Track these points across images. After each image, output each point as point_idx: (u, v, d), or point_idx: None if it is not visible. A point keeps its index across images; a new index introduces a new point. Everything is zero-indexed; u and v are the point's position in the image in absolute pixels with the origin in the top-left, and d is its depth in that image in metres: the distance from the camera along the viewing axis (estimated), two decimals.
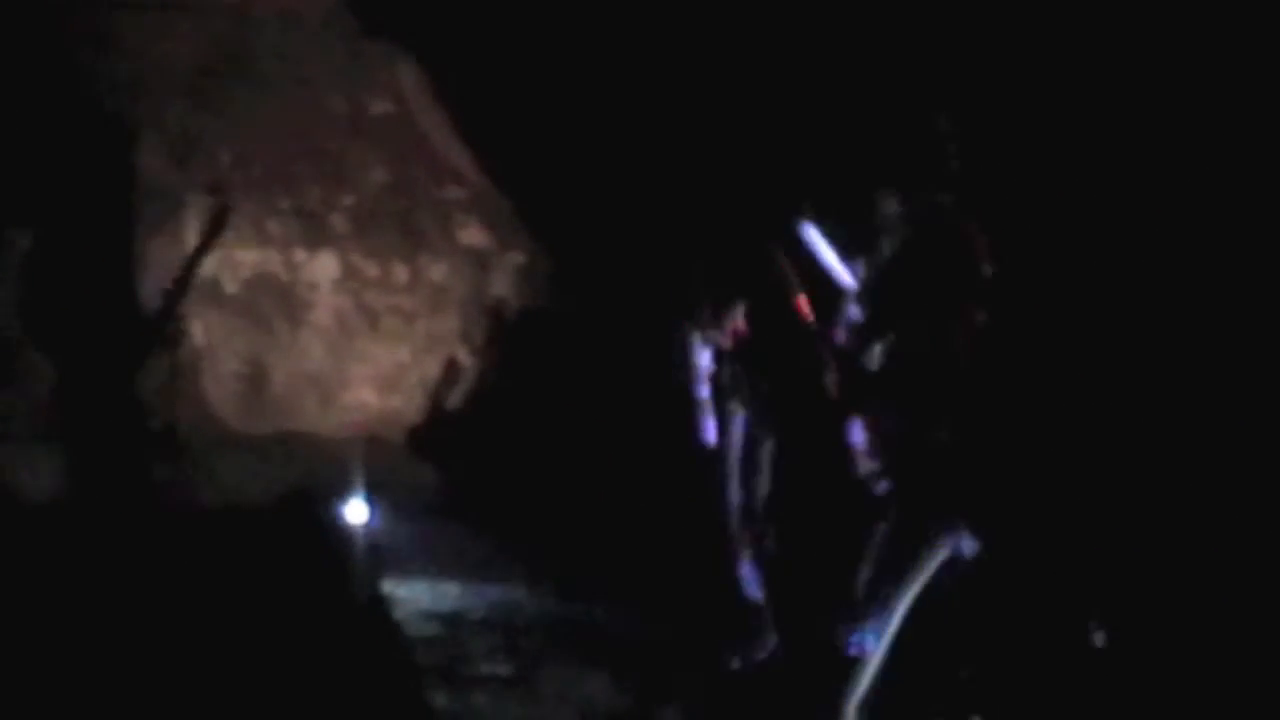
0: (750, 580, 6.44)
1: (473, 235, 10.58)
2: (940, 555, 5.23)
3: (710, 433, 6.37)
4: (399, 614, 7.29)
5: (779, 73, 7.70)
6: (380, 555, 7.87)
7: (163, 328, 9.74)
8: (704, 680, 6.42)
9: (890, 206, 5.49)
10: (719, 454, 6.39)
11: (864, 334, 5.60)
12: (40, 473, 8.60)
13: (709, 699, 6.26)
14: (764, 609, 6.43)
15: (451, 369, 10.57)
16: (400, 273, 10.56)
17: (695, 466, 6.47)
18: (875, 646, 5.28)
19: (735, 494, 6.39)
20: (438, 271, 10.60)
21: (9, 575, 6.94)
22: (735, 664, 6.45)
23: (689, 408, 6.39)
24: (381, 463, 9.36)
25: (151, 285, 9.79)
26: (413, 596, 7.55)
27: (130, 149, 9.63)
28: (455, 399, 10.54)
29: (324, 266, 10.56)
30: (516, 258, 10.64)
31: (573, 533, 8.38)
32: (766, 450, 6.32)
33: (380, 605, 7.37)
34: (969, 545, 5.22)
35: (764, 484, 6.35)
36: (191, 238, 10.10)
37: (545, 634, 7.09)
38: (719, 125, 8.01)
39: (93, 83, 9.57)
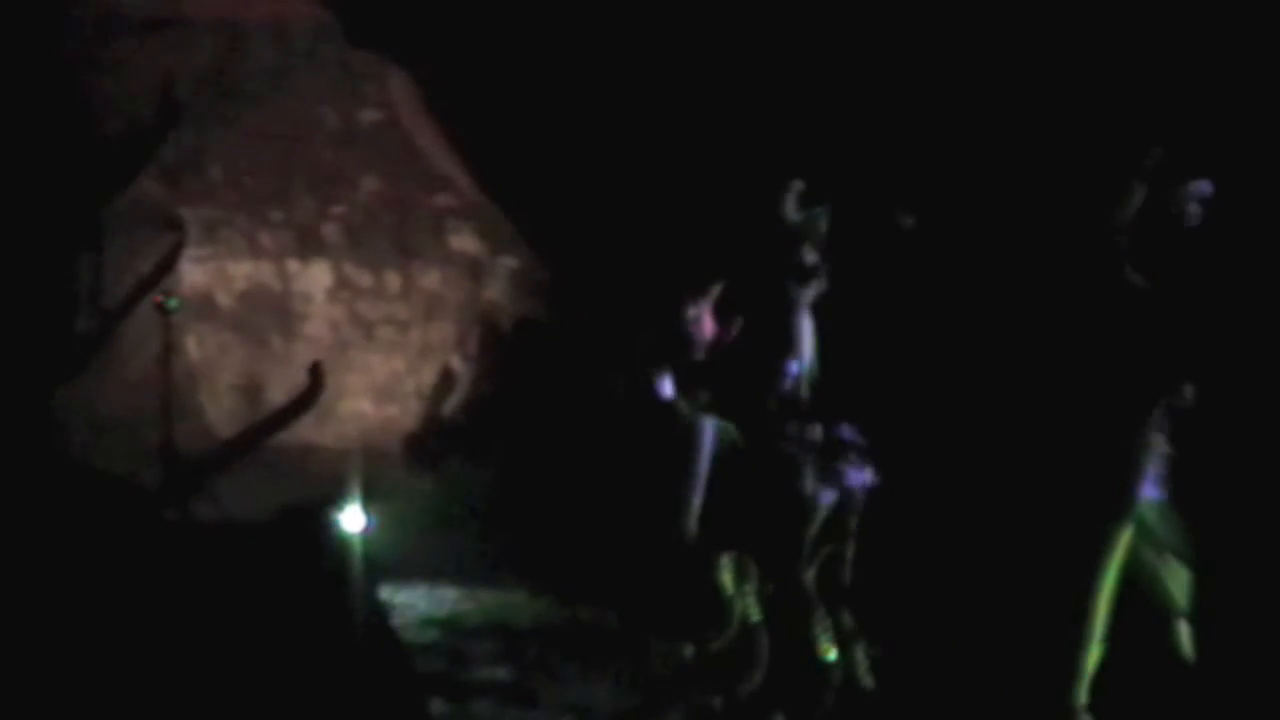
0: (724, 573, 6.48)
1: (465, 242, 10.61)
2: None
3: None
4: (397, 620, 7.32)
5: (769, 78, 7.72)
6: (378, 563, 7.88)
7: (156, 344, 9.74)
8: (702, 685, 6.45)
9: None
10: (687, 456, 6.42)
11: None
12: (39, 485, 8.62)
13: (708, 704, 6.28)
14: (731, 608, 6.46)
15: (446, 376, 10.59)
16: (393, 281, 10.60)
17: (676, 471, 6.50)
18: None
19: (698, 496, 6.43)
20: (431, 279, 10.63)
21: (12, 589, 6.96)
22: (691, 654, 6.50)
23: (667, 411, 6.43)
24: (378, 471, 9.37)
25: (144, 300, 9.80)
26: (411, 603, 7.58)
27: (122, 166, 9.66)
28: (450, 406, 10.57)
29: (317, 277, 10.60)
30: (509, 263, 10.65)
31: (570, 538, 8.39)
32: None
33: (379, 612, 7.39)
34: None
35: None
36: (183, 253, 10.13)
37: (544, 640, 7.11)
38: (706, 132, 8.03)
39: (85, 102, 9.60)
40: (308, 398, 10.01)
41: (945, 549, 5.50)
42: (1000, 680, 5.16)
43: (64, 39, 9.51)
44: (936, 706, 5.41)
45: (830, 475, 5.69)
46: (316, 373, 9.82)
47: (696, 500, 6.41)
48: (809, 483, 5.83)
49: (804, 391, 5.92)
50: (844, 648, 5.76)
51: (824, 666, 5.82)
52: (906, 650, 5.55)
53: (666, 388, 6.41)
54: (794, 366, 5.87)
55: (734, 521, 6.38)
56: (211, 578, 7.42)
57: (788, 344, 5.94)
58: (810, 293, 5.94)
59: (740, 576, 6.47)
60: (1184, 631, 4.96)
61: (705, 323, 6.48)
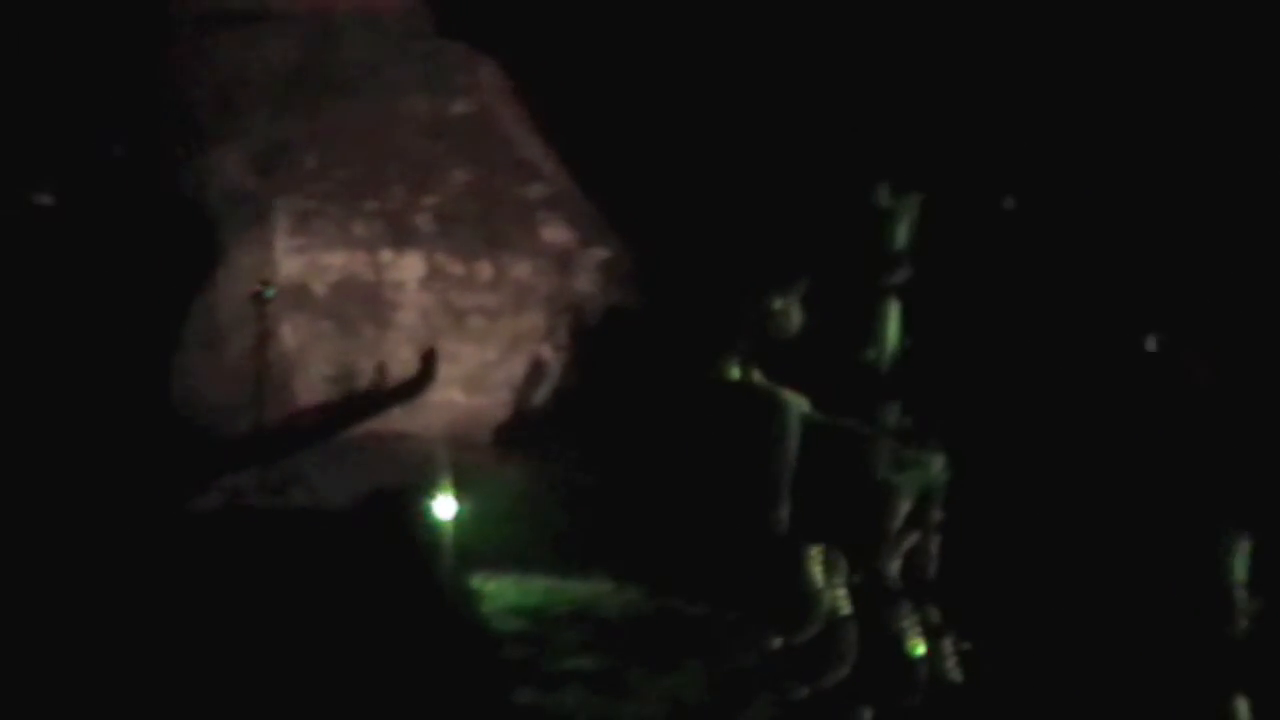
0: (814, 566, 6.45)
1: (555, 233, 10.61)
2: None
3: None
4: (486, 609, 7.35)
5: (863, 62, 7.66)
6: (468, 551, 7.92)
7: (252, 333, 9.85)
8: (789, 677, 6.41)
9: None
10: (776, 444, 6.40)
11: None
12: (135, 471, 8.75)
13: (795, 695, 6.25)
14: (820, 600, 6.43)
15: (536, 367, 10.61)
16: (484, 271, 10.63)
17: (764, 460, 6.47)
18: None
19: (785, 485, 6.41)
20: (521, 269, 10.64)
21: (108, 573, 7.07)
22: (780, 645, 6.47)
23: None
24: (469, 460, 9.41)
25: (238, 290, 9.91)
26: (500, 591, 7.61)
27: (217, 157, 9.77)
28: (540, 396, 10.58)
29: (410, 267, 10.66)
30: (600, 254, 10.65)
31: (660, 528, 8.39)
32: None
33: (468, 601, 7.43)
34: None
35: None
36: (278, 243, 10.23)
37: (633, 629, 7.11)
38: (797, 117, 7.98)
39: (182, 94, 9.73)
40: (416, 385, 10.10)
41: (1034, 542, 5.43)
42: (1093, 676, 5.08)
43: (167, 34, 9.65)
44: (1024, 702, 5.35)
45: (905, 462, 5.64)
46: (429, 360, 9.90)
47: (785, 488, 6.39)
48: (884, 469, 5.79)
49: (884, 377, 5.87)
50: (931, 641, 5.71)
51: (911, 660, 5.77)
52: (995, 645, 5.48)
53: (751, 376, 6.40)
54: (875, 352, 5.83)
55: (820, 511, 6.34)
56: (304, 564, 7.49)
57: (870, 330, 5.90)
58: (897, 278, 5.89)
59: (829, 569, 6.44)
60: None
61: (794, 313, 6.46)
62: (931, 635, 5.83)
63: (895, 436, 5.86)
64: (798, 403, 6.34)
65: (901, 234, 5.85)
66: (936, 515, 5.87)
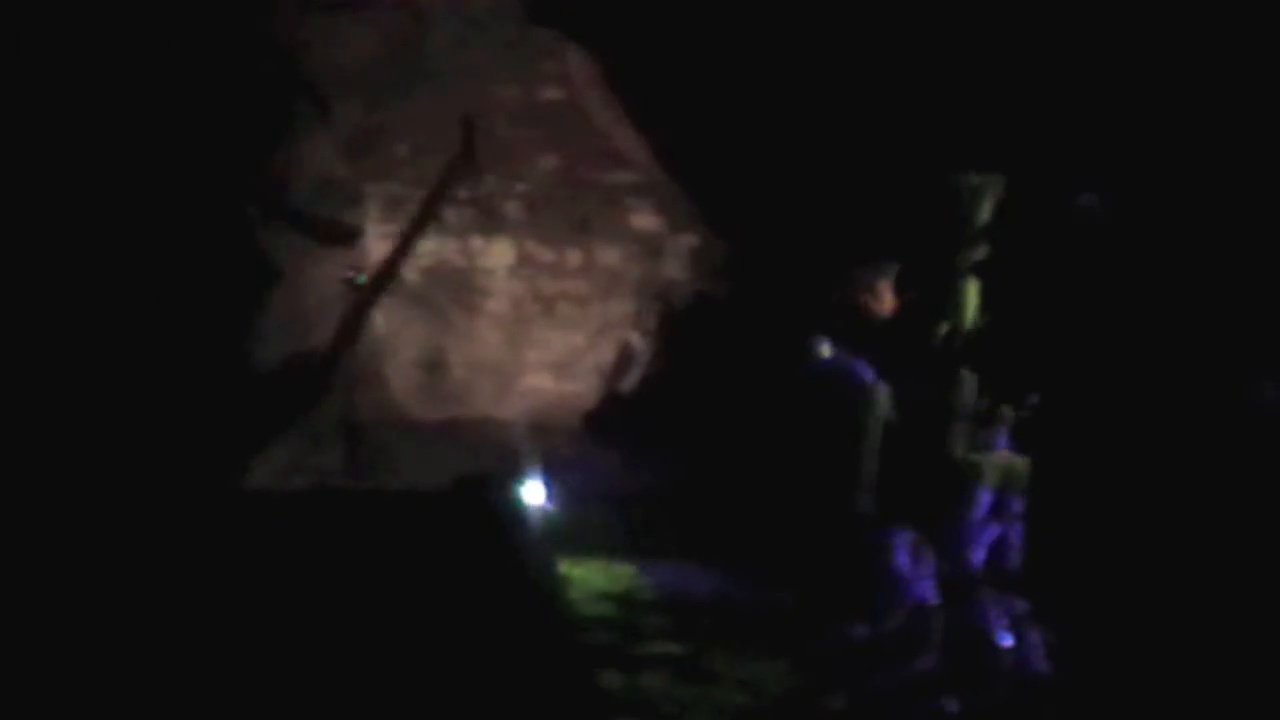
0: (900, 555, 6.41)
1: (644, 219, 10.62)
2: None
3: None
4: (574, 594, 7.38)
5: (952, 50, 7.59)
6: (556, 536, 7.96)
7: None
8: (875, 666, 6.38)
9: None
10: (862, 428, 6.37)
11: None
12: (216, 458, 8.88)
13: (881, 685, 6.21)
14: (906, 588, 6.39)
15: (625, 353, 10.62)
16: (573, 258, 10.66)
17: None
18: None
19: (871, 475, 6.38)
20: (610, 256, 10.66)
21: (196, 554, 7.17)
22: (865, 633, 6.43)
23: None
24: (557, 446, 9.45)
25: (327, 277, 10.01)
26: (587, 577, 7.64)
27: (309, 146, 9.87)
28: (629, 383, 10.60)
29: (500, 253, 10.71)
30: (688, 240, 10.64)
31: (747, 515, 8.37)
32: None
33: (555, 586, 7.46)
34: None
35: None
36: (370, 229, 10.32)
37: (717, 616, 7.11)
38: (881, 103, 7.93)
39: (275, 83, 9.84)
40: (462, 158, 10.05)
41: (1122, 534, 5.35)
42: (1181, 671, 5.01)
43: (254, 22, 9.75)
44: (1111, 695, 5.28)
45: (983, 443, 5.59)
46: (469, 127, 9.88)
47: (871, 473, 6.35)
48: (962, 450, 5.73)
49: (964, 358, 5.82)
50: (1018, 633, 5.64)
51: (997, 651, 5.71)
52: (1083, 637, 5.41)
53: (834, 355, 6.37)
54: (953, 331, 5.78)
55: (904, 496, 6.30)
56: (390, 547, 7.55)
57: (950, 309, 5.85)
58: (976, 257, 5.83)
59: (916, 556, 6.39)
60: None
61: (885, 296, 6.42)
62: (1018, 626, 5.76)
63: (973, 419, 5.80)
64: (882, 387, 6.31)
65: (983, 213, 5.79)
66: (1018, 505, 5.81)
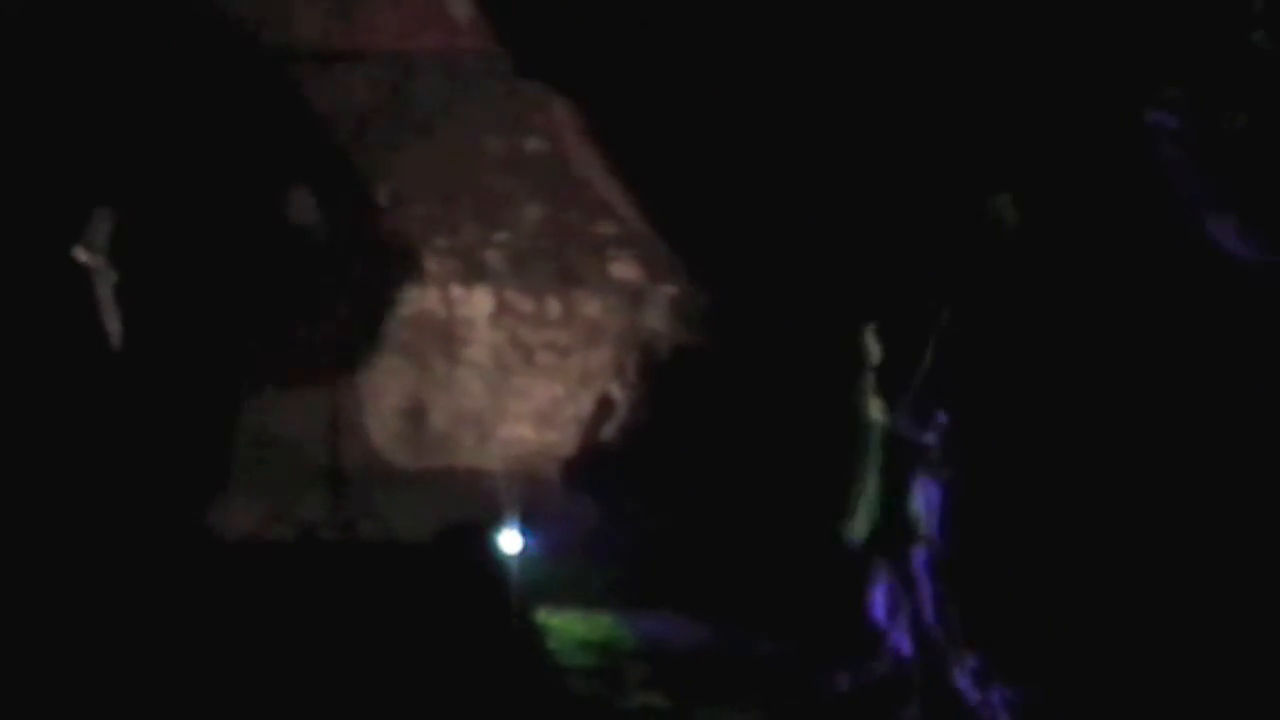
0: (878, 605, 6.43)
1: (626, 270, 10.66)
2: None
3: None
4: (553, 644, 7.37)
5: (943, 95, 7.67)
6: (536, 586, 7.95)
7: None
8: (858, 715, 6.39)
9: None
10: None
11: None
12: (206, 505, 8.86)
13: None
14: (886, 635, 6.41)
15: (605, 404, 10.64)
16: (554, 308, 10.69)
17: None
18: None
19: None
20: (591, 306, 10.69)
21: (180, 604, 7.15)
22: (847, 684, 6.43)
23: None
24: (538, 496, 9.45)
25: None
26: (567, 627, 7.63)
27: (292, 193, 9.90)
28: (609, 433, 10.61)
29: (480, 303, 10.74)
30: (669, 291, 10.68)
31: (727, 565, 8.38)
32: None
33: (535, 635, 7.45)
34: None
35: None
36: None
37: (700, 666, 7.11)
38: (868, 158, 8.00)
39: (258, 132, 9.88)
40: None
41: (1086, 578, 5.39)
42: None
43: (238, 70, 9.80)
44: None
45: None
46: None
47: (870, 515, 6.39)
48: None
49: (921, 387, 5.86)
50: (983, 690, 5.65)
51: (970, 701, 5.72)
52: (1048, 691, 5.42)
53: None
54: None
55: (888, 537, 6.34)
56: (373, 597, 7.54)
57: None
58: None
59: (893, 605, 6.41)
60: None
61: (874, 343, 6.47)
62: (981, 683, 5.78)
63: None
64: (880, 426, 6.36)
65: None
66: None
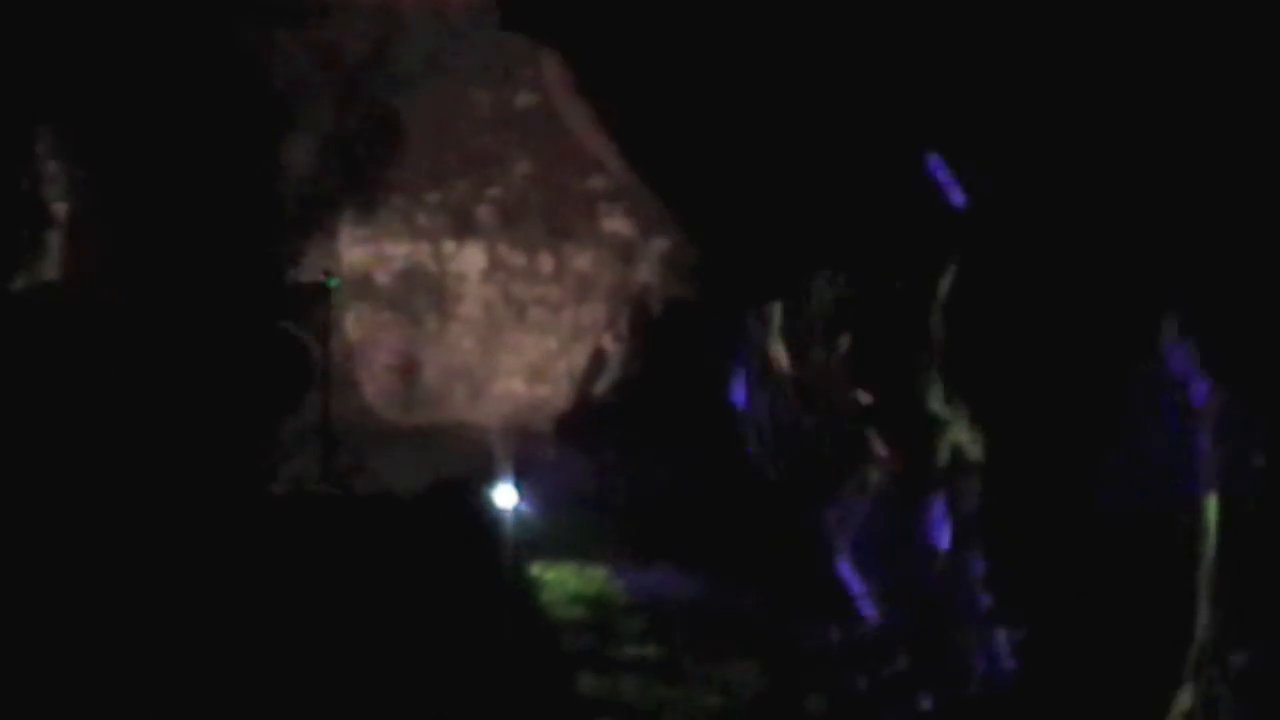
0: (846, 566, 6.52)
1: (616, 224, 10.66)
2: None
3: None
4: (547, 597, 7.41)
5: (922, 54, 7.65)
6: (529, 540, 7.99)
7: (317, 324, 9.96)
8: (848, 668, 6.44)
9: None
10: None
11: None
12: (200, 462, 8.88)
13: (854, 686, 6.27)
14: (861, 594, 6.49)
15: (597, 357, 10.66)
16: (546, 263, 10.69)
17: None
18: None
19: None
20: (583, 261, 10.69)
21: (184, 557, 7.19)
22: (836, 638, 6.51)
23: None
24: (530, 449, 9.48)
25: (305, 279, 10.02)
26: (561, 580, 7.67)
27: (283, 150, 9.89)
28: (601, 387, 10.64)
29: (472, 258, 10.74)
30: (660, 245, 10.68)
31: (718, 520, 8.42)
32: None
33: (529, 589, 7.50)
34: None
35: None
36: (343, 233, 10.35)
37: (691, 619, 7.15)
38: (856, 111, 7.99)
39: (249, 88, 9.85)
40: None
41: (1080, 535, 5.43)
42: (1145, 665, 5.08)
43: (229, 27, 9.76)
44: (1079, 689, 5.35)
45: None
46: None
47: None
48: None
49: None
50: (984, 632, 5.71)
51: (967, 650, 5.77)
52: (1048, 633, 5.47)
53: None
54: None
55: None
56: (366, 551, 7.57)
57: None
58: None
59: (860, 569, 6.47)
60: None
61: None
62: (983, 626, 5.83)
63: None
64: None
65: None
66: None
